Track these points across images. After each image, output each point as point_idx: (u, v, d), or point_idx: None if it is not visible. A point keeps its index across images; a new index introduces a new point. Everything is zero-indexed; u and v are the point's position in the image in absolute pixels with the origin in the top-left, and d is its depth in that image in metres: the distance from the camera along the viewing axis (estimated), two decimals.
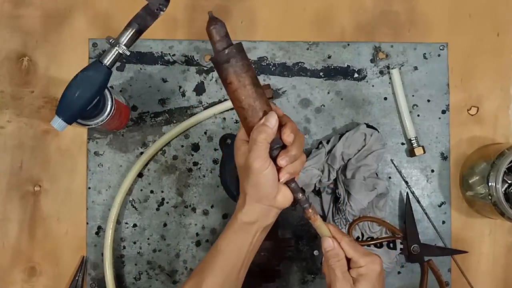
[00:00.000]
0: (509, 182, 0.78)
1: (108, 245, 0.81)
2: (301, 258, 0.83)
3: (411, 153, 0.83)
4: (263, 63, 0.84)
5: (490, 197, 0.76)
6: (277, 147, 0.57)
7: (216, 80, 0.84)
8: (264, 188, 0.58)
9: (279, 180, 0.58)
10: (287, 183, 0.59)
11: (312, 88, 0.85)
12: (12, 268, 0.82)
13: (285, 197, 0.59)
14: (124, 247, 0.83)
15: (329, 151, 0.81)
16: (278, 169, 0.57)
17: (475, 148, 0.84)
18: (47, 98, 0.84)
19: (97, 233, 0.83)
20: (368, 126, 0.82)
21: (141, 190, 0.83)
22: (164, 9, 0.65)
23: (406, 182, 0.84)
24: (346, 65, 0.85)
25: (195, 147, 0.84)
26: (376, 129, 0.82)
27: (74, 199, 0.83)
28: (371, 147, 0.81)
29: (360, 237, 0.82)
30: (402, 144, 0.84)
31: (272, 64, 0.85)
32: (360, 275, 0.60)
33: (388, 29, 0.86)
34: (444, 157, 0.84)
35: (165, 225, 0.83)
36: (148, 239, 0.83)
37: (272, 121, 0.56)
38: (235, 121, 0.84)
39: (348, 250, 0.61)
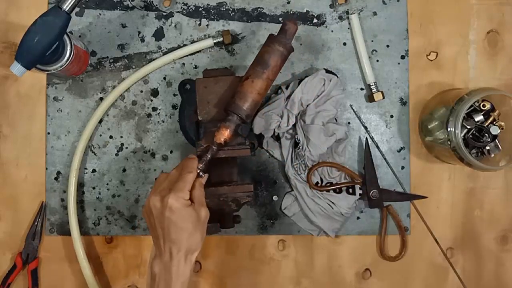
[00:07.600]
0: (468, 127, 0.78)
1: (72, 192, 0.80)
2: (260, 204, 0.83)
3: (370, 98, 0.83)
4: (222, 8, 0.84)
5: (449, 142, 0.76)
6: None
7: (175, 26, 0.84)
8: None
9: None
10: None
11: None
12: None
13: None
14: (84, 193, 0.83)
15: (288, 97, 0.81)
16: None
17: (434, 93, 0.84)
18: (6, 43, 0.84)
19: (56, 179, 0.83)
20: (327, 71, 0.82)
21: (100, 135, 0.83)
22: None
23: (365, 128, 0.84)
24: (305, 10, 0.84)
25: (154, 93, 0.84)
26: (335, 75, 0.81)
27: (33, 144, 0.83)
28: (330, 92, 0.81)
29: (320, 182, 0.82)
30: (361, 89, 0.84)
31: (231, 9, 0.84)
32: None
33: None
34: (403, 103, 0.84)
35: (124, 170, 0.83)
36: (107, 184, 0.83)
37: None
38: (194, 67, 0.84)
39: None
